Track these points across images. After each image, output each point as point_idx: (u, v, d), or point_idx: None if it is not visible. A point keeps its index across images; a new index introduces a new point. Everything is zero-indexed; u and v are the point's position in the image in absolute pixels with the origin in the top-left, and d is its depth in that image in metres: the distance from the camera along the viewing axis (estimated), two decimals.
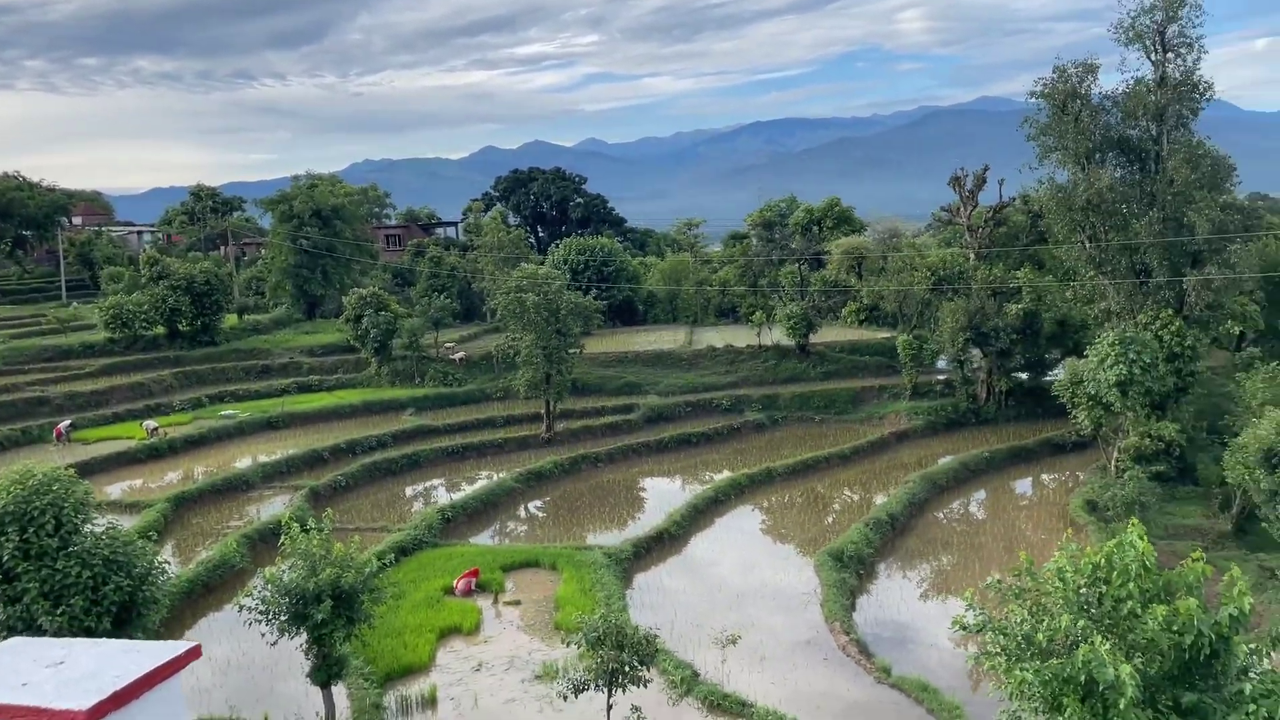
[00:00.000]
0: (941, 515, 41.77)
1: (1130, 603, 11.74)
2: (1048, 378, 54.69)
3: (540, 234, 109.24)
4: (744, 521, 40.95)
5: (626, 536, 36.90)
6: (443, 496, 44.29)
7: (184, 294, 66.31)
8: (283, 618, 19.77)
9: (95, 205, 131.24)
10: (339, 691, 23.08)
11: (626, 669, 17.66)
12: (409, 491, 46.38)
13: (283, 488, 44.12)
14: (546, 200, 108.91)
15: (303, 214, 78.89)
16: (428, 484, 47.40)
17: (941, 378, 59.29)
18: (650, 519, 39.58)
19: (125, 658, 2.31)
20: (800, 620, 29.58)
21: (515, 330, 52.06)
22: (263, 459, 47.72)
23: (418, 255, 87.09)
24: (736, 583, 33.07)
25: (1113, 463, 41.90)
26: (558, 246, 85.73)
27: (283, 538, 20.67)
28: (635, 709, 18.24)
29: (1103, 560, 12.34)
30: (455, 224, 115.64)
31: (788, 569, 34.43)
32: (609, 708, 18.83)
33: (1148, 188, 45.58)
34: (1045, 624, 12.43)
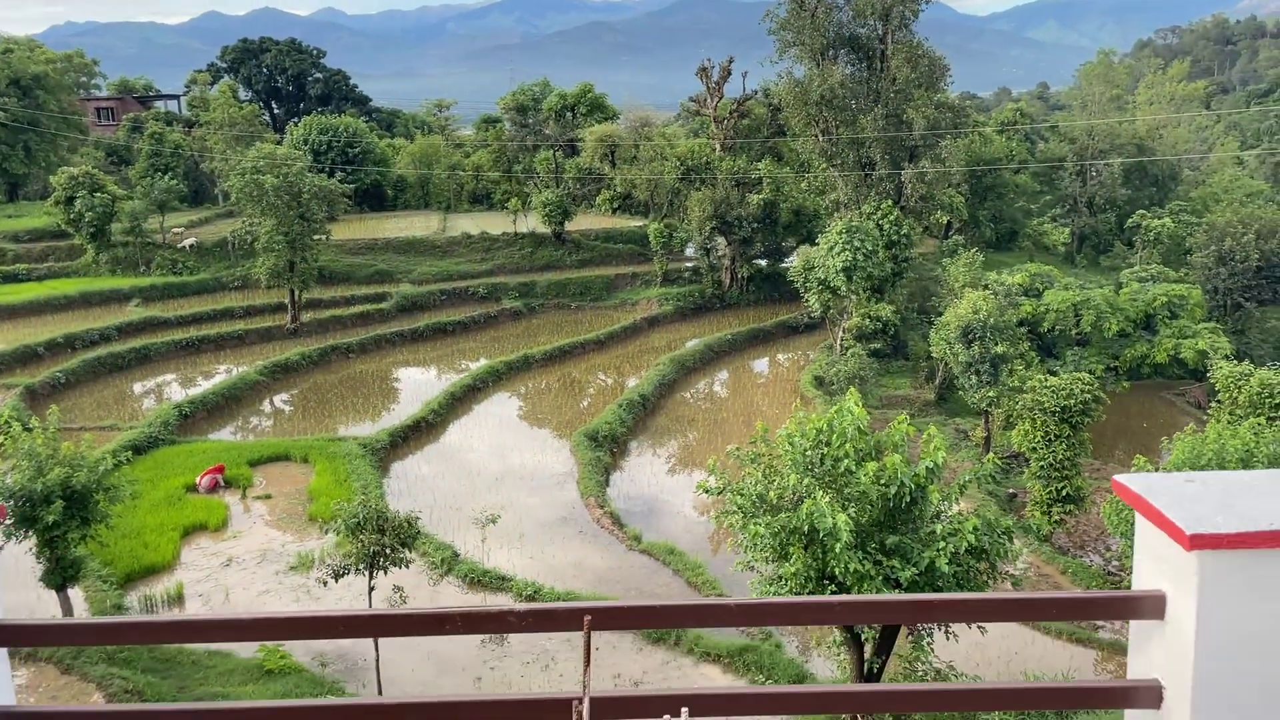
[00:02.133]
0: (688, 395, 44.25)
1: (846, 461, 13.29)
2: (784, 264, 58.35)
3: (276, 111, 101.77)
4: (502, 408, 41.59)
5: (382, 427, 36.60)
6: (178, 392, 41.80)
7: None
8: (7, 521, 18.42)
9: None
10: (76, 594, 21.92)
11: (388, 551, 17.92)
12: (139, 388, 43.41)
13: None
14: (282, 74, 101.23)
15: None
16: (160, 379, 44.51)
17: (690, 265, 61.77)
18: (406, 409, 39.35)
19: None
20: (558, 498, 30.84)
21: (253, 215, 49.06)
22: None
23: (135, 131, 79.13)
24: (495, 466, 33.81)
25: (838, 341, 45.76)
26: (297, 125, 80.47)
27: (1, 438, 19.07)
28: (397, 589, 18.60)
29: (825, 425, 13.84)
30: (177, 97, 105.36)
31: (545, 451, 35.55)
32: (370, 590, 19.09)
33: (874, 85, 48.87)
34: (776, 483, 13.87)
